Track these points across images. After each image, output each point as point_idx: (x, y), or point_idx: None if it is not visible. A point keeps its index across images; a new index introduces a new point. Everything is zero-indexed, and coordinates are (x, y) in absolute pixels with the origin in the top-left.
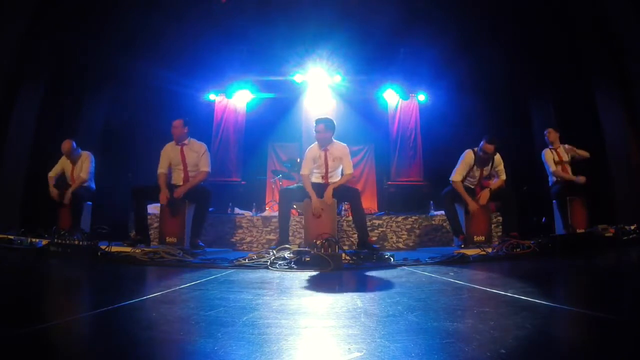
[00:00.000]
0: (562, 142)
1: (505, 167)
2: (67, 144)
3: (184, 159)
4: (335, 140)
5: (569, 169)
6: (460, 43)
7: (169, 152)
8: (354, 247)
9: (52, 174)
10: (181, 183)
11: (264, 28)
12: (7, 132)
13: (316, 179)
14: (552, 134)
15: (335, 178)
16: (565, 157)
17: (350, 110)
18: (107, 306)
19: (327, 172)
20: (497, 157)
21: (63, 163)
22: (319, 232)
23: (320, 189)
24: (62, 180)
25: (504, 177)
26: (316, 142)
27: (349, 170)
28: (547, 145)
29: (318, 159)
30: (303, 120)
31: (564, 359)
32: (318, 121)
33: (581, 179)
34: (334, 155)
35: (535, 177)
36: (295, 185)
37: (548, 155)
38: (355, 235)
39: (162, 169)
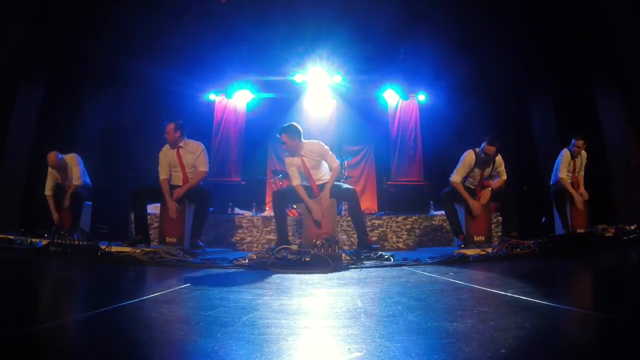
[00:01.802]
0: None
1: (505, 167)
2: (52, 157)
3: (181, 161)
4: (306, 142)
5: (576, 178)
6: (460, 43)
7: (166, 155)
8: (354, 247)
9: (49, 191)
10: (181, 184)
11: (264, 28)
12: (7, 132)
13: (304, 183)
14: (580, 148)
15: (321, 177)
16: (578, 167)
17: (350, 110)
18: (107, 306)
19: (310, 175)
20: (499, 157)
21: (52, 173)
22: (319, 232)
23: (309, 192)
24: (57, 189)
25: (504, 177)
26: None
27: (334, 163)
28: (569, 146)
29: (298, 166)
30: (303, 120)
31: (564, 359)
32: (279, 131)
33: (582, 196)
34: (310, 157)
35: (535, 177)
36: (290, 186)
37: (565, 159)
38: (355, 235)
39: (163, 175)
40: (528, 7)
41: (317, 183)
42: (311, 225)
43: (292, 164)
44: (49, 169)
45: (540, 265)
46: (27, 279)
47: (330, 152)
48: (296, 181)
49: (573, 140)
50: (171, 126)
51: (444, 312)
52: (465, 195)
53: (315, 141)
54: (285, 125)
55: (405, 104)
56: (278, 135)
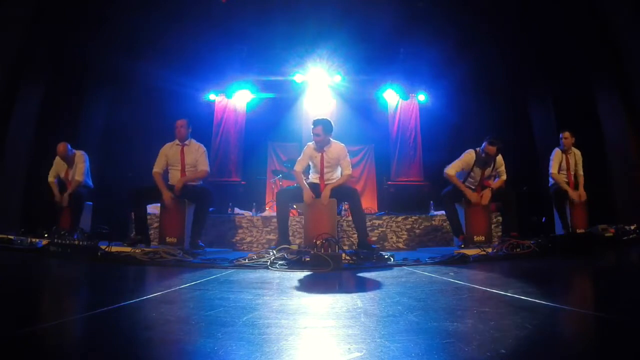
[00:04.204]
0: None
1: (506, 170)
2: (62, 147)
3: (183, 159)
4: (333, 141)
5: (571, 175)
6: (460, 43)
7: (167, 151)
8: (354, 247)
9: (52, 178)
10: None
11: (264, 28)
12: (7, 132)
13: (313, 179)
14: (568, 140)
15: (333, 179)
16: (573, 164)
17: (350, 110)
18: (107, 306)
19: (322, 173)
20: (499, 158)
21: (58, 164)
22: (318, 232)
23: (315, 189)
24: (60, 182)
25: (504, 177)
26: (312, 143)
27: (348, 170)
28: (559, 145)
29: (314, 159)
30: (303, 120)
31: (564, 359)
32: (316, 123)
33: (580, 194)
34: (330, 156)
35: (535, 177)
36: (293, 185)
37: (556, 157)
38: (355, 235)
39: (157, 169)
40: (528, 7)
41: (325, 183)
42: (311, 225)
43: (310, 154)
44: (56, 160)
45: (540, 265)
46: (27, 279)
47: (348, 159)
48: (299, 167)
49: (560, 135)
50: (184, 122)
51: (444, 312)
52: (461, 186)
53: (340, 144)
54: (322, 119)
55: (405, 104)
56: (313, 126)
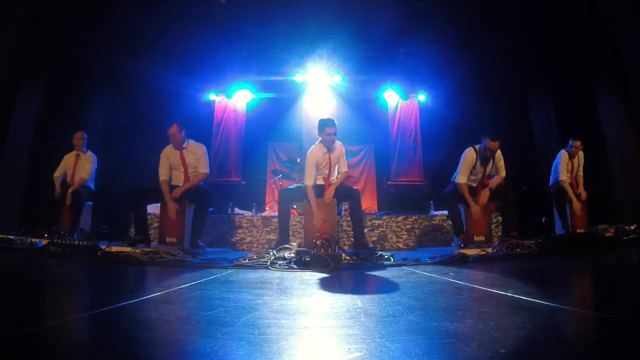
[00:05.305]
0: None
1: (505, 166)
2: (79, 135)
3: (184, 162)
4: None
5: (574, 178)
6: (460, 43)
7: (168, 155)
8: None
9: (57, 174)
10: (181, 184)
11: (264, 28)
12: (7, 132)
13: (318, 180)
14: (578, 148)
15: (334, 178)
16: (576, 167)
17: (350, 110)
18: (107, 306)
19: (330, 174)
20: (498, 152)
21: (66, 162)
22: (319, 232)
23: (321, 190)
24: (63, 180)
25: (503, 173)
26: (317, 145)
27: (345, 168)
28: (567, 148)
29: (322, 161)
30: (303, 120)
31: (564, 359)
32: (330, 123)
33: (582, 196)
34: (335, 156)
35: (535, 177)
36: (295, 185)
37: (564, 160)
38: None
39: (163, 176)
40: (527, 7)
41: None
42: (311, 225)
43: (315, 158)
44: (65, 157)
45: (540, 265)
46: (27, 279)
47: (345, 157)
48: (310, 181)
49: (570, 142)
50: (175, 127)
51: (444, 312)
52: (468, 197)
53: (339, 142)
54: (329, 118)
55: (405, 104)
56: (327, 126)
